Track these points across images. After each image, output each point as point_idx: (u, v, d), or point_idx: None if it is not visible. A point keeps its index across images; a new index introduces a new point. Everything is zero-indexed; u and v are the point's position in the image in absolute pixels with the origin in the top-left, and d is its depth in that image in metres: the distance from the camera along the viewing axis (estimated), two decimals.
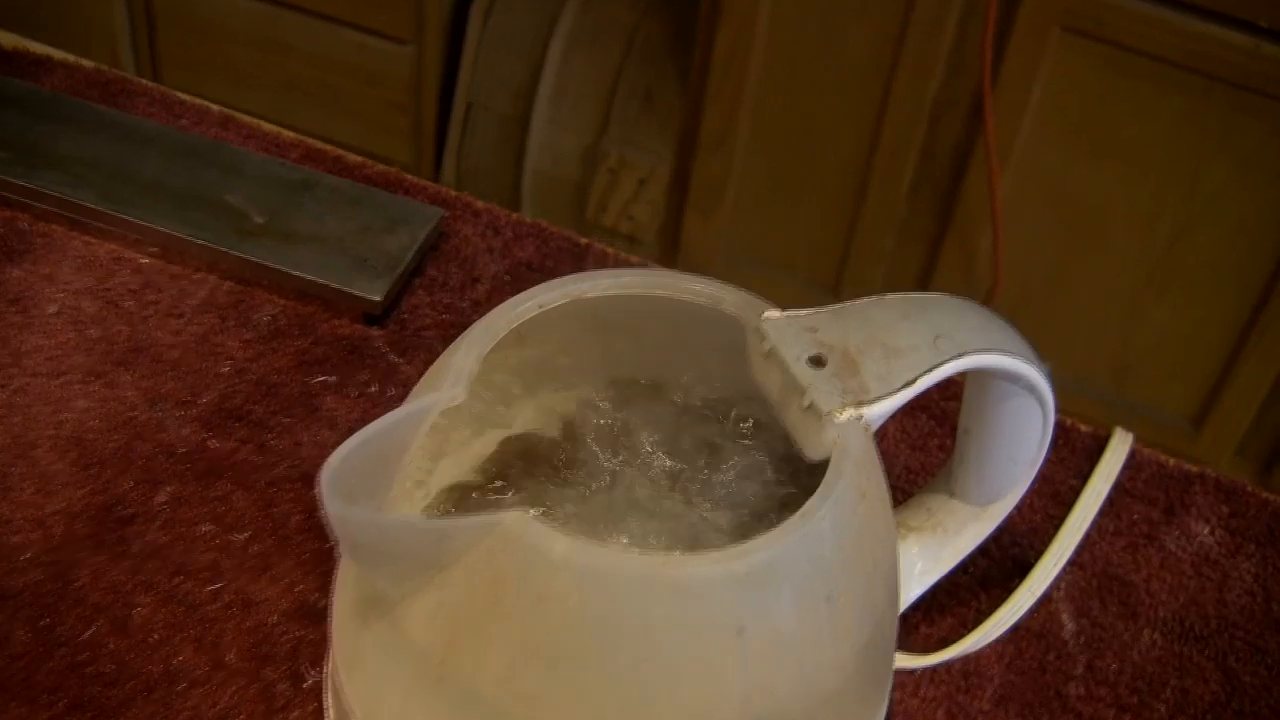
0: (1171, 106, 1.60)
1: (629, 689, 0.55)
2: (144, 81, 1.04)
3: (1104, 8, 1.57)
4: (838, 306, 0.64)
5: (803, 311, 0.64)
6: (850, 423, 0.60)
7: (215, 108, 1.03)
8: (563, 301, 0.65)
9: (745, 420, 0.69)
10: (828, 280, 1.90)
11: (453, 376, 0.60)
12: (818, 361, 0.61)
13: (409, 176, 0.99)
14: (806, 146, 1.83)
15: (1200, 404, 1.78)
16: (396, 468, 0.59)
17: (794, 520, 0.56)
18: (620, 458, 0.67)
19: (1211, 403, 1.77)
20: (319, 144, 1.01)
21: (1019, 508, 0.81)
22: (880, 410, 0.61)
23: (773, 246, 1.90)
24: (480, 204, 0.99)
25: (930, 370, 0.62)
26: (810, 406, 0.60)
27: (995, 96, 1.66)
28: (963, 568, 0.78)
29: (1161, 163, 1.64)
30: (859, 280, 1.87)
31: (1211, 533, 0.86)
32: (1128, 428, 0.89)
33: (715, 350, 0.66)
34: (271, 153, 0.99)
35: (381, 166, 1.00)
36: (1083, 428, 0.90)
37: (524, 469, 0.67)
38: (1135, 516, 0.86)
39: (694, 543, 0.63)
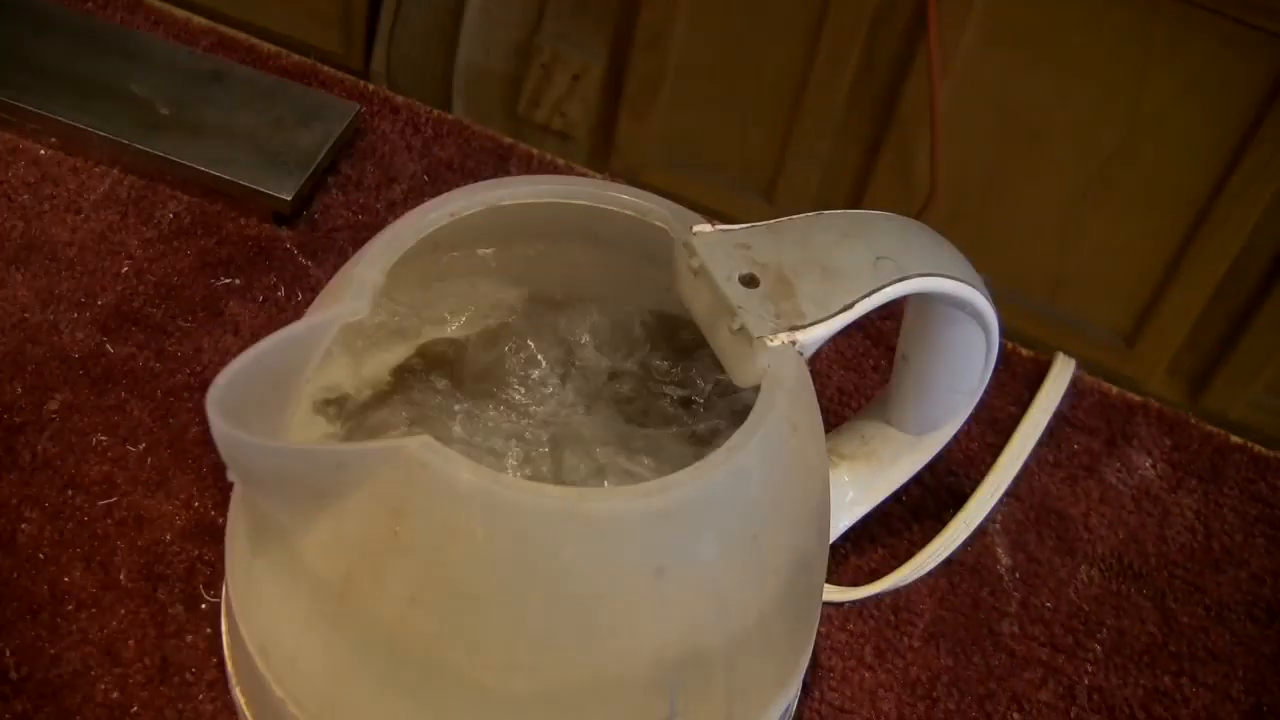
0: (1117, 19, 1.57)
1: (539, 631, 0.52)
2: None
3: None
4: (773, 222, 0.60)
5: (736, 226, 0.60)
6: (783, 349, 0.56)
7: None
8: (478, 209, 0.60)
9: (670, 341, 0.65)
10: (761, 184, 1.86)
11: (355, 289, 0.55)
12: (750, 281, 0.57)
13: (325, 69, 0.95)
14: (745, 47, 1.79)
15: (1134, 321, 1.76)
16: (292, 387, 0.55)
17: (719, 454, 0.52)
18: (534, 379, 0.63)
19: (1145, 320, 1.76)
20: (231, 32, 0.96)
21: (956, 434, 0.78)
22: (815, 336, 0.57)
23: (707, 148, 1.86)
24: (400, 99, 0.94)
25: (870, 294, 0.58)
26: (741, 330, 0.56)
27: (938, 2, 1.62)
28: (896, 497, 0.75)
29: (1104, 75, 1.61)
30: (794, 185, 1.83)
31: (1153, 466, 0.83)
32: (1060, 342, 0.86)
33: (639, 265, 0.62)
34: (181, 40, 0.94)
35: (297, 57, 0.95)
36: (1024, 352, 0.87)
37: (429, 388, 0.63)
38: (1075, 447, 0.83)
39: (610, 474, 0.59)
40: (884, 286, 0.58)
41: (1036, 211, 1.73)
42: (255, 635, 0.58)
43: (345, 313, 0.54)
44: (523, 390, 0.63)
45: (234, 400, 0.48)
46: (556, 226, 0.63)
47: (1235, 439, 0.85)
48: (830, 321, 0.57)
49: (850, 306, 0.58)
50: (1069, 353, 0.86)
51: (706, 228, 0.59)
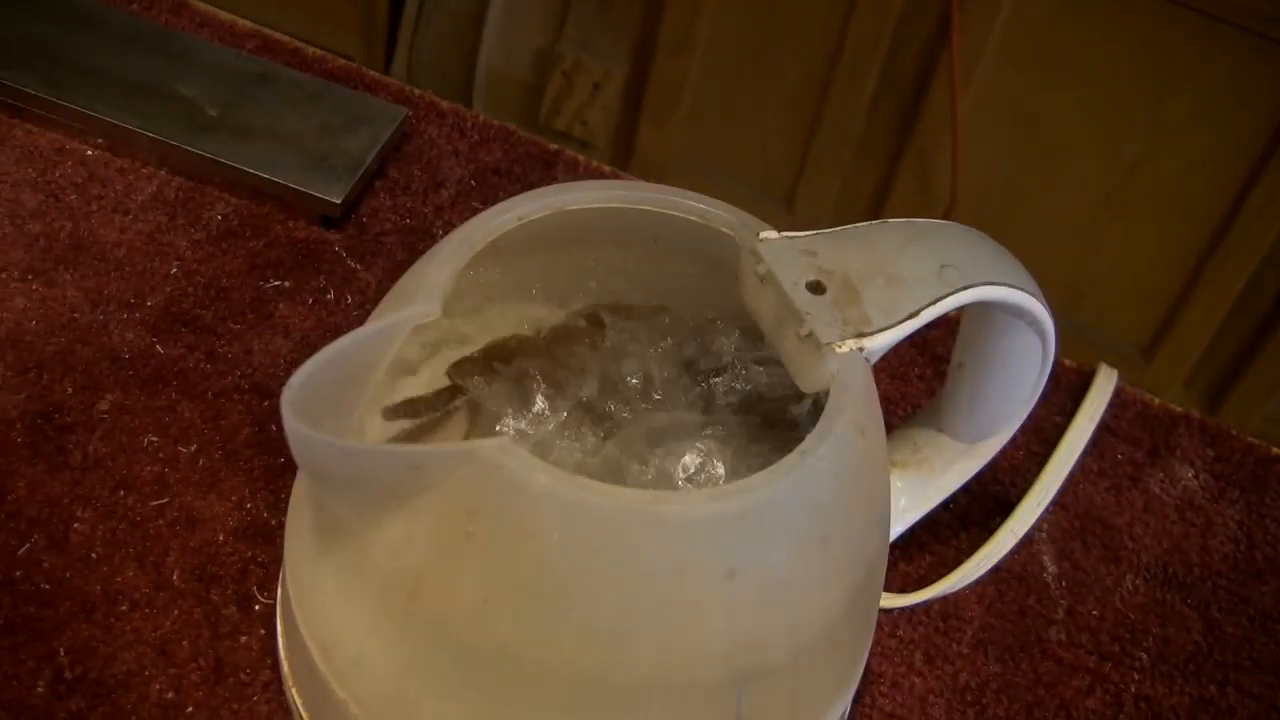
0: (1138, 32, 1.57)
1: (610, 633, 0.52)
2: None
3: None
4: (838, 230, 0.60)
5: (801, 234, 0.60)
6: (850, 355, 0.56)
7: None
8: (544, 214, 0.61)
9: (738, 347, 0.65)
10: (782, 192, 1.86)
11: (426, 291, 0.56)
12: (817, 288, 0.58)
13: (371, 73, 0.95)
14: (767, 55, 1.79)
15: (1152, 333, 1.77)
16: (363, 388, 0.55)
17: (790, 458, 0.52)
18: (605, 384, 0.63)
19: (1163, 333, 1.76)
20: (276, 34, 0.96)
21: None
22: (882, 343, 0.57)
23: (727, 156, 1.87)
24: (445, 104, 0.95)
25: (936, 302, 0.58)
26: (809, 336, 0.56)
27: (961, 13, 1.62)
28: (944, 505, 0.75)
29: (1125, 89, 1.62)
30: (814, 193, 1.83)
31: (1196, 476, 0.83)
32: (1078, 353, 0.86)
33: (706, 270, 0.62)
34: (226, 42, 0.94)
35: (342, 61, 0.95)
36: (1067, 363, 0.87)
37: (505, 395, 0.63)
38: (1119, 457, 0.83)
39: (683, 478, 0.60)
40: (949, 295, 0.58)
41: (1056, 223, 1.73)
42: (317, 635, 0.58)
43: (417, 315, 0.55)
44: (591, 398, 0.63)
45: (308, 400, 0.49)
46: (620, 233, 0.63)
47: (1276, 450, 0.85)
48: (897, 329, 0.57)
49: (916, 314, 0.58)
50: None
51: (773, 234, 0.60)
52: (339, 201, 0.83)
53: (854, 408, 0.55)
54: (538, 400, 0.62)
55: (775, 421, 0.63)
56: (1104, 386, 0.85)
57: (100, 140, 0.86)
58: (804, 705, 0.57)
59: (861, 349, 0.56)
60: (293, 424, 0.47)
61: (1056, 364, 0.86)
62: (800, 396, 0.62)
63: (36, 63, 0.87)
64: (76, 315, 0.78)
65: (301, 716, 0.62)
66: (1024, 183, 1.72)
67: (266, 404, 0.75)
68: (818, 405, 0.55)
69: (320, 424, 0.48)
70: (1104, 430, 0.84)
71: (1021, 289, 0.61)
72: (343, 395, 0.54)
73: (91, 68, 0.88)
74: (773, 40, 1.78)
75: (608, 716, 0.54)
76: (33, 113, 0.86)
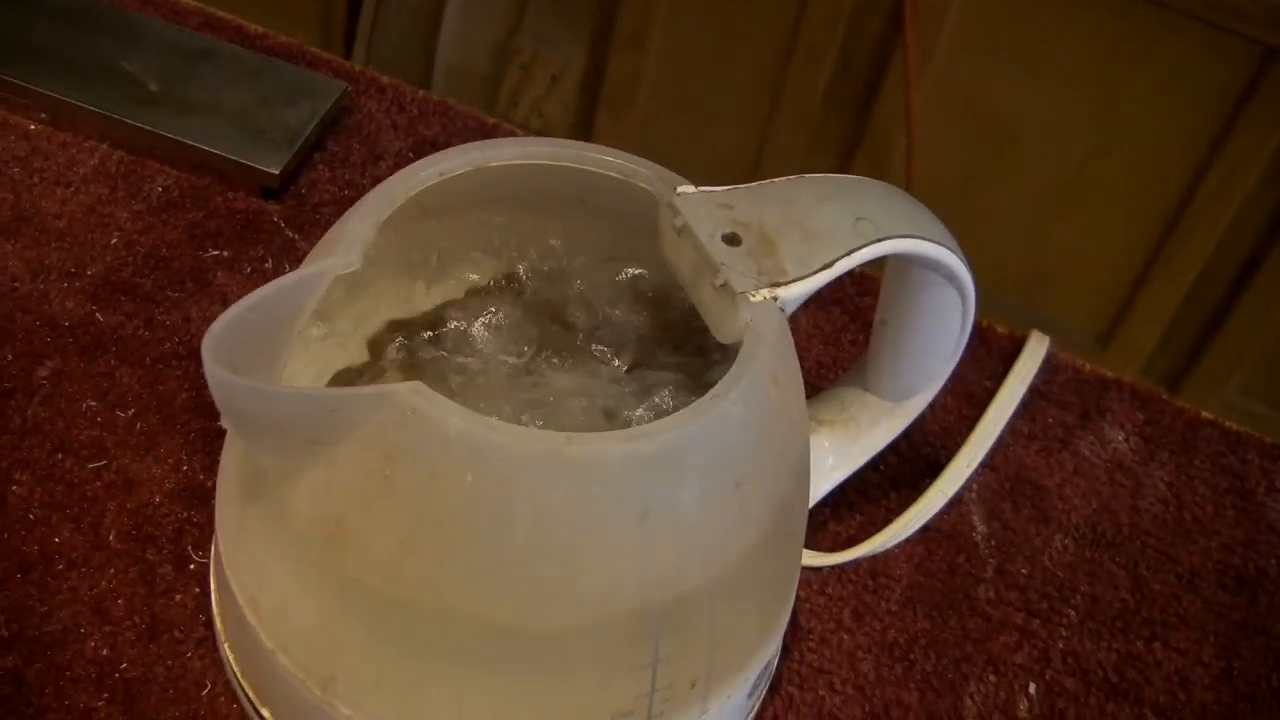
0: (1091, 22, 1.59)
1: (526, 573, 0.53)
2: None
3: None
4: (755, 185, 0.61)
5: (718, 188, 0.61)
6: (765, 304, 0.57)
7: None
8: (466, 169, 0.61)
9: (653, 297, 0.66)
10: (738, 183, 1.88)
11: (347, 243, 0.57)
12: (733, 240, 0.59)
13: (312, 49, 0.96)
14: (722, 48, 1.80)
15: (1108, 322, 1.78)
16: (286, 337, 0.56)
17: (703, 402, 0.53)
18: (523, 334, 0.64)
19: (1119, 321, 1.77)
20: (219, 12, 0.97)
21: (932, 407, 0.79)
22: (796, 292, 0.58)
23: (684, 149, 1.87)
24: (386, 79, 0.96)
25: (850, 253, 0.59)
26: (723, 286, 0.57)
27: (915, 4, 1.64)
28: (874, 465, 0.76)
29: (1079, 78, 1.63)
30: None
31: (1126, 440, 0.84)
32: None
33: (624, 225, 0.63)
34: (169, 20, 0.95)
35: (284, 38, 0.96)
36: (999, 329, 0.88)
37: (418, 343, 0.64)
38: (1050, 420, 0.84)
39: (597, 423, 0.61)
40: (863, 246, 0.59)
41: (1011, 213, 1.74)
42: (245, 587, 0.59)
43: (338, 265, 0.56)
44: (506, 347, 0.64)
45: (229, 347, 0.49)
46: (542, 190, 0.64)
47: (1206, 415, 0.86)
48: (811, 279, 0.58)
49: (830, 265, 0.59)
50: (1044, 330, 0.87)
51: (690, 189, 0.61)
52: (277, 173, 0.84)
53: (767, 355, 0.56)
54: (456, 361, 0.63)
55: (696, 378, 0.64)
56: (1035, 351, 0.86)
57: (43, 115, 0.87)
58: (723, 649, 0.58)
59: (776, 298, 0.57)
60: (213, 369, 0.48)
61: (989, 330, 0.87)
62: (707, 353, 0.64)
63: None
64: (17, 285, 0.78)
65: (234, 670, 0.63)
66: (978, 173, 1.74)
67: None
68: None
69: (243, 372, 0.49)
70: (1036, 395, 0.85)
71: (937, 242, 0.62)
72: (266, 344, 0.54)
73: (34, 44, 0.89)
74: (728, 32, 1.79)
75: (526, 659, 0.55)
76: None
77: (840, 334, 0.86)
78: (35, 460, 0.71)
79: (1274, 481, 0.83)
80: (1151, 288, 1.73)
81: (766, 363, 0.56)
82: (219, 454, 0.67)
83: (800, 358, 0.60)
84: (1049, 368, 0.86)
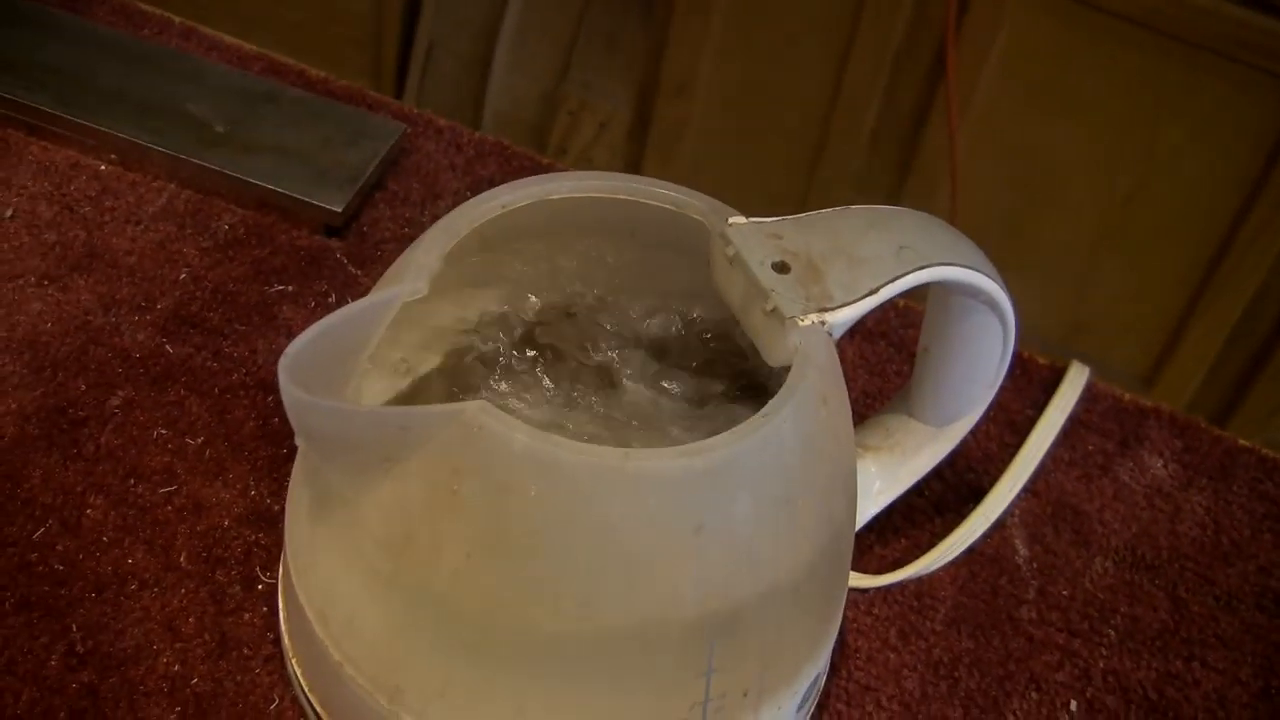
0: (1131, 64, 1.60)
1: (585, 584, 0.55)
2: None
3: None
4: (803, 215, 0.64)
5: (768, 220, 0.63)
6: (813, 328, 0.60)
7: (177, 20, 1.01)
8: (527, 202, 0.64)
9: (709, 328, 0.69)
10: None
11: (414, 271, 0.59)
12: (782, 268, 0.61)
13: (371, 93, 0.99)
14: (767, 94, 1.82)
15: (1152, 363, 1.79)
16: (357, 361, 0.58)
17: (755, 420, 0.56)
18: (585, 359, 0.67)
19: (1163, 362, 1.78)
20: (282, 58, 1.00)
21: (975, 435, 0.82)
22: (843, 317, 0.60)
23: (730, 195, 1.87)
24: (443, 121, 0.99)
25: (894, 280, 0.62)
26: (773, 311, 0.60)
27: (957, 49, 1.66)
28: (918, 491, 0.78)
29: (1119, 120, 1.64)
30: None
31: (1165, 466, 0.86)
32: None
33: (680, 255, 0.66)
34: (234, 65, 0.98)
35: (344, 82, 0.99)
36: (1040, 360, 0.90)
37: (486, 369, 0.67)
38: (1090, 448, 0.86)
39: (653, 442, 0.63)
40: (906, 273, 0.62)
41: (1055, 255, 1.76)
42: (314, 602, 0.61)
43: (406, 291, 0.58)
44: (569, 371, 0.67)
45: (303, 369, 0.52)
46: (598, 222, 0.67)
47: (1244, 442, 0.88)
48: (857, 304, 0.61)
49: (875, 291, 0.61)
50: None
51: (740, 220, 0.63)
52: (340, 210, 0.87)
53: (816, 377, 0.58)
54: (521, 382, 0.66)
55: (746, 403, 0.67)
56: (1075, 381, 0.88)
57: (113, 156, 0.90)
58: (774, 662, 0.60)
59: (824, 323, 0.60)
60: (289, 388, 0.51)
61: (1030, 361, 0.89)
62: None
63: (53, 84, 0.91)
64: (90, 318, 0.81)
65: (301, 684, 0.66)
66: (1022, 215, 1.75)
67: (270, 399, 0.79)
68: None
69: (315, 393, 0.52)
70: (1076, 423, 0.87)
71: (977, 270, 0.64)
72: (337, 367, 0.57)
73: (105, 88, 0.92)
74: (773, 79, 1.81)
75: (585, 668, 0.57)
76: (49, 130, 0.90)
77: (886, 365, 0.88)
78: (109, 485, 0.74)
79: None
80: (1195, 327, 1.73)
81: (815, 384, 0.58)
82: (285, 479, 0.70)
83: (847, 388, 0.63)
84: (1089, 396, 0.88)
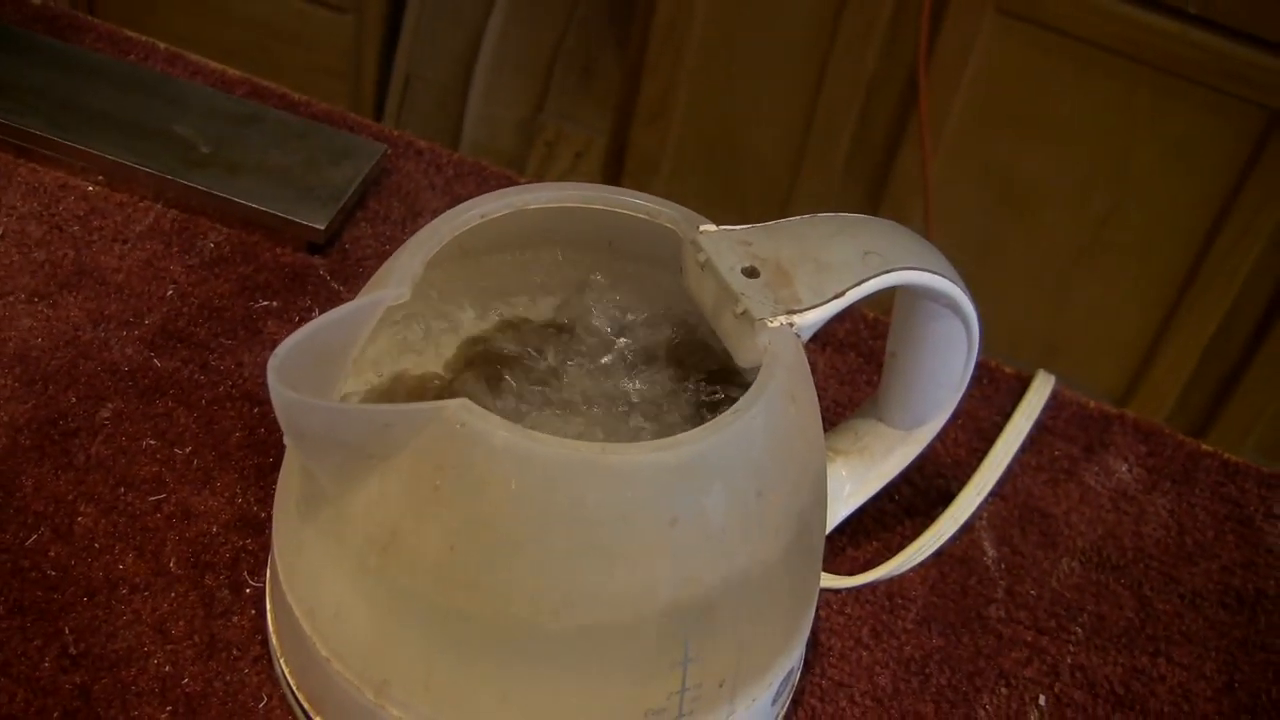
0: (1101, 89, 1.62)
1: (565, 575, 0.57)
2: (91, 18, 1.05)
3: None
4: (771, 223, 0.66)
5: (738, 227, 0.66)
6: (782, 330, 0.62)
7: (162, 45, 1.03)
8: (505, 212, 0.67)
9: (682, 332, 0.71)
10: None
11: (397, 277, 0.61)
12: (751, 272, 0.63)
13: (353, 115, 1.01)
14: (742, 121, 1.84)
15: (1126, 383, 1.80)
16: (343, 363, 0.60)
17: (727, 416, 0.58)
18: (559, 362, 0.69)
19: (1137, 381, 1.80)
20: (265, 81, 1.02)
21: (944, 441, 0.84)
22: (811, 319, 0.63)
23: (707, 219, 1.92)
24: (423, 143, 1.01)
25: (859, 283, 0.64)
26: (743, 313, 0.62)
27: (929, 75, 1.68)
28: (888, 495, 0.81)
29: (1091, 144, 1.66)
30: None
31: (1129, 470, 0.88)
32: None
33: (654, 262, 0.68)
34: (219, 87, 1.00)
35: (326, 105, 1.01)
36: (1007, 369, 0.93)
37: (465, 372, 0.69)
38: (1056, 453, 0.89)
39: (630, 438, 0.65)
40: (871, 277, 0.64)
41: (1028, 278, 1.77)
42: (302, 600, 0.63)
43: (390, 296, 0.60)
44: (544, 373, 0.69)
45: (291, 370, 0.54)
46: (574, 231, 0.69)
47: (1206, 446, 0.90)
48: (824, 307, 0.63)
49: (841, 294, 0.63)
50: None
51: (711, 227, 0.66)
52: (323, 228, 0.89)
53: (785, 376, 0.60)
54: (500, 385, 0.68)
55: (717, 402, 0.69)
56: (1041, 389, 0.90)
57: (100, 177, 0.92)
58: (749, 653, 0.62)
59: (792, 325, 0.62)
60: (279, 389, 0.53)
61: (997, 370, 0.92)
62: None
63: (41, 106, 0.93)
64: (79, 333, 0.83)
65: (289, 683, 0.67)
66: (995, 237, 1.77)
67: (257, 410, 0.81)
68: None
69: (303, 393, 0.54)
70: (1043, 430, 0.89)
71: (940, 274, 0.66)
72: (324, 368, 0.59)
73: (92, 111, 0.94)
74: (748, 106, 1.83)
75: (566, 658, 0.59)
76: (38, 152, 0.92)
77: (856, 375, 0.90)
78: (99, 494, 0.76)
79: (1272, 508, 0.87)
80: (1168, 347, 1.75)
81: (784, 382, 0.60)
82: (271, 487, 0.72)
83: (819, 398, 0.65)
84: (1055, 404, 0.91)
